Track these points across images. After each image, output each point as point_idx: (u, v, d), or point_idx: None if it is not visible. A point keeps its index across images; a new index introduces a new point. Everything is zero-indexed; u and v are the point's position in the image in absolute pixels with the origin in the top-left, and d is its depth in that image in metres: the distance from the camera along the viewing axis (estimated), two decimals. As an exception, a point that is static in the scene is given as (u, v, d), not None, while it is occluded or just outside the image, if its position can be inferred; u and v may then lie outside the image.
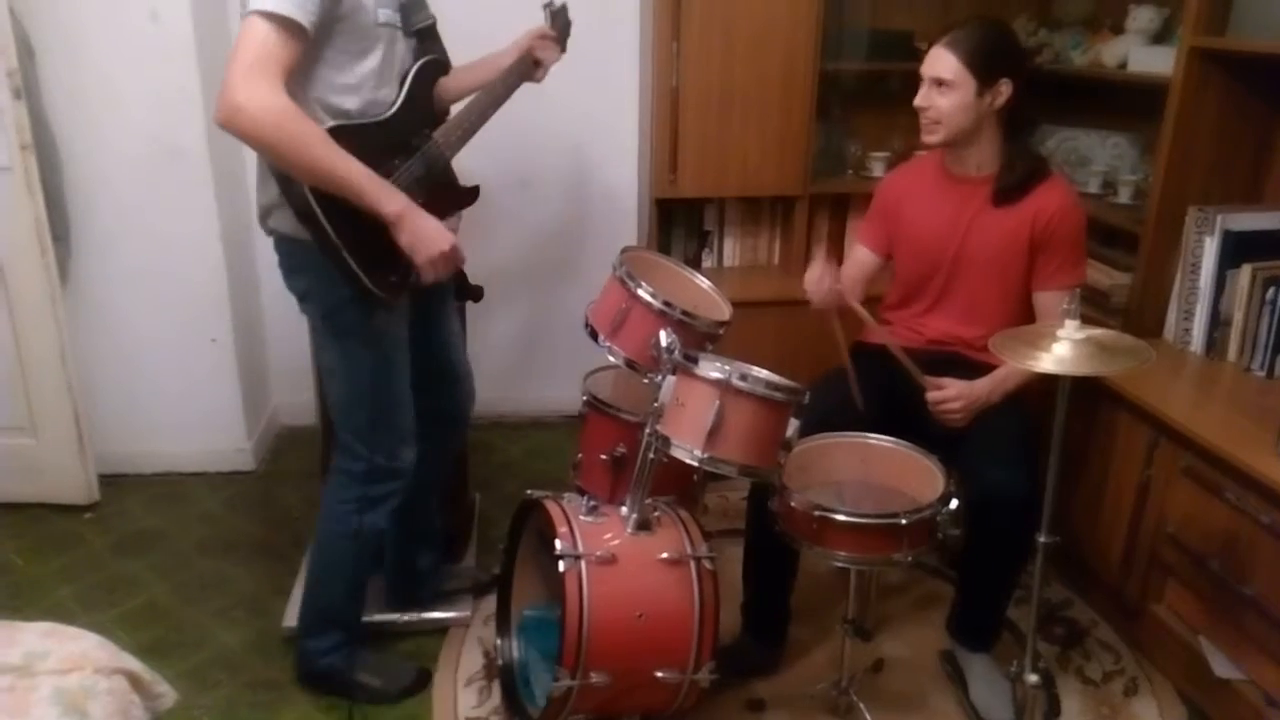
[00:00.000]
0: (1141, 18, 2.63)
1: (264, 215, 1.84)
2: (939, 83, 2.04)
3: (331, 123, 1.69)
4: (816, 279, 2.04)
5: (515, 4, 2.16)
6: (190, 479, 2.99)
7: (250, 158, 1.74)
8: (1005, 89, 2.04)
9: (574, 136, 3.16)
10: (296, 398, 3.13)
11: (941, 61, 2.03)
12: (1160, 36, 2.62)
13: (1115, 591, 2.31)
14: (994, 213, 2.12)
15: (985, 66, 2.01)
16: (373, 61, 1.75)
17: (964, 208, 2.15)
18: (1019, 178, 2.09)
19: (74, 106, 2.67)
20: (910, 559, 1.79)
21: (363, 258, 1.73)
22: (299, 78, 1.66)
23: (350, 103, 1.75)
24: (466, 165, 2.00)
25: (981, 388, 2.06)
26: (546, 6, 2.09)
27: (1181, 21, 2.29)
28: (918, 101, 2.09)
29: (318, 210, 1.67)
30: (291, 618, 2.20)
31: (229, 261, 2.88)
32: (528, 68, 2.06)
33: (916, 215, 2.21)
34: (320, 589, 2.09)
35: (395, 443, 1.98)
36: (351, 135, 1.69)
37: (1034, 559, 1.72)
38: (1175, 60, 2.30)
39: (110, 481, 2.89)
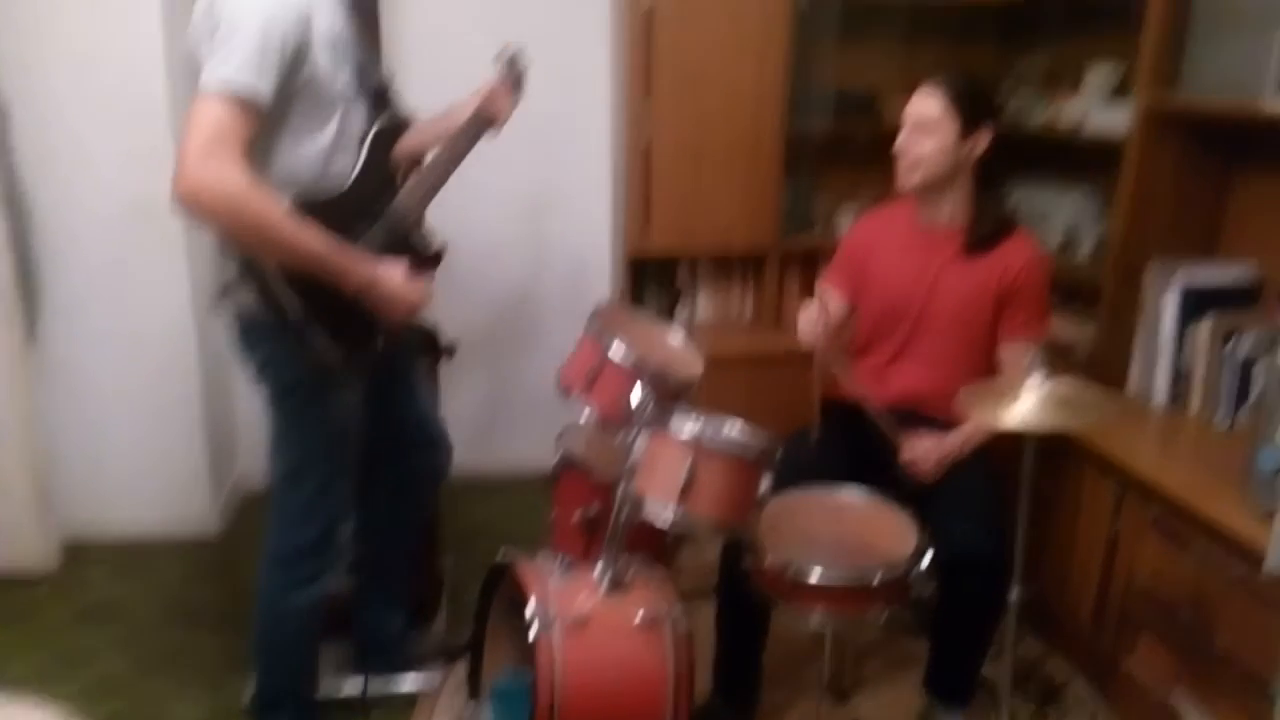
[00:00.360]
0: (1099, 75, 2.70)
1: (222, 292, 1.79)
2: (921, 125, 2.06)
3: (291, 196, 1.67)
4: (811, 321, 2.04)
5: (477, 52, 2.13)
6: (153, 545, 2.92)
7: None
8: (984, 137, 2.07)
9: (546, 197, 3.19)
10: (263, 462, 3.07)
11: (926, 102, 2.06)
12: (1119, 90, 2.68)
13: (1088, 646, 2.31)
14: (961, 265, 2.15)
15: (969, 110, 2.05)
16: (331, 129, 1.73)
17: (932, 259, 2.17)
18: (988, 231, 2.13)
19: (46, 166, 2.66)
20: (885, 617, 1.78)
21: (324, 334, 1.72)
22: (256, 151, 1.64)
23: (309, 173, 1.73)
24: (438, 227, 2.01)
25: (953, 443, 2.08)
26: (497, 57, 2.07)
27: (1138, 77, 2.36)
28: (898, 145, 2.10)
29: (279, 288, 1.66)
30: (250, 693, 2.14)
31: (198, 323, 2.86)
32: (485, 121, 2.01)
33: (885, 267, 2.23)
34: (267, 668, 2.04)
35: (335, 517, 1.95)
36: (313, 210, 1.67)
37: (1006, 616, 1.71)
38: (1132, 120, 2.37)
39: (72, 546, 2.82)
